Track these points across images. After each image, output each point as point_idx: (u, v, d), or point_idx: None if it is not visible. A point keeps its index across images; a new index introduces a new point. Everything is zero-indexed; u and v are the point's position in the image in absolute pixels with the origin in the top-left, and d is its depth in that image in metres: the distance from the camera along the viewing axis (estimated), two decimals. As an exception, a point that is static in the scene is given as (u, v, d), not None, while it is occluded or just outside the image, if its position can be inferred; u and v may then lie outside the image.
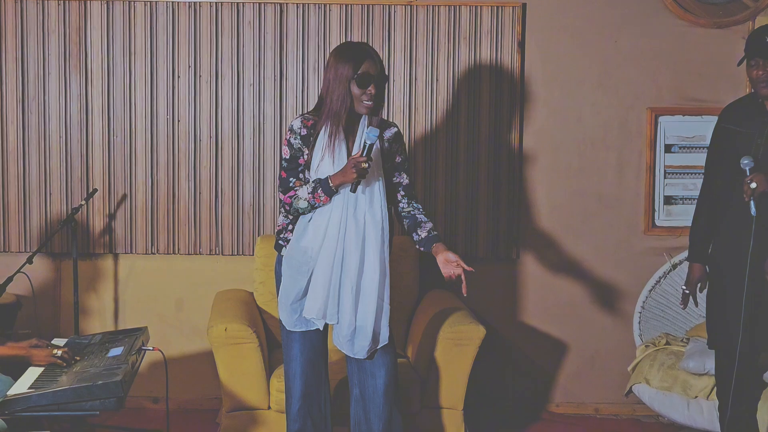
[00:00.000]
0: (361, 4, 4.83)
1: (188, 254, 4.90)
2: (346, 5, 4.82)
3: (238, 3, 4.81)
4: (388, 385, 3.68)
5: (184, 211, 4.87)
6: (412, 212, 3.79)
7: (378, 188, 3.63)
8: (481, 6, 4.86)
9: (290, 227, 3.70)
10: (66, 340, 3.85)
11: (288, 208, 3.63)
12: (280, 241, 3.75)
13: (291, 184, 3.63)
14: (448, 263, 3.64)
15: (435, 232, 3.73)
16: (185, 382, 4.91)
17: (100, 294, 4.92)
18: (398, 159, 3.78)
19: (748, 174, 3.68)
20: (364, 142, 3.51)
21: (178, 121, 4.84)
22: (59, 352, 3.48)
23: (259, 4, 4.81)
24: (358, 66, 3.53)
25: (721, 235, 3.96)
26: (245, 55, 4.83)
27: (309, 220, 3.62)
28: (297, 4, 4.82)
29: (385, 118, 4.82)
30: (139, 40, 4.81)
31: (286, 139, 3.65)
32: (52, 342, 3.72)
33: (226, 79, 4.84)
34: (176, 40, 4.81)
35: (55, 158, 4.83)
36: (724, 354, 3.91)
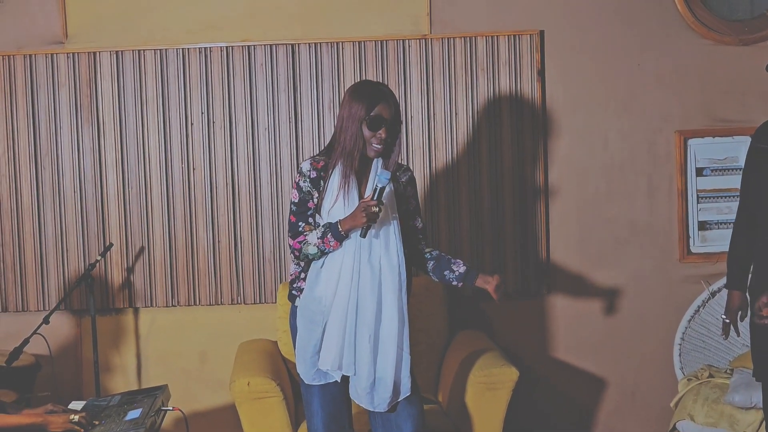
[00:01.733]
0: (375, 40, 4.72)
1: (210, 305, 4.79)
2: (360, 42, 4.72)
3: (249, 45, 4.72)
4: None
5: (204, 261, 4.76)
6: (434, 253, 3.67)
7: (393, 231, 3.49)
8: (497, 36, 4.74)
9: (303, 275, 3.57)
10: (84, 402, 3.73)
11: (298, 254, 3.50)
12: (293, 291, 3.62)
13: (300, 229, 3.50)
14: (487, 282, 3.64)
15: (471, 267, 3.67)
16: (212, 437, 4.79)
17: (121, 350, 4.81)
18: (413, 203, 3.68)
19: None
20: (376, 186, 3.39)
21: (194, 169, 4.75)
22: (76, 418, 3.37)
23: (271, 45, 4.72)
24: (371, 107, 3.43)
25: (760, 259, 3.78)
26: (258, 98, 4.73)
27: (321, 266, 3.49)
28: (309, 43, 4.72)
29: (404, 157, 4.71)
30: (151, 88, 4.73)
31: (295, 182, 3.53)
32: (69, 406, 3.61)
33: (241, 124, 4.74)
34: (188, 87, 4.73)
35: (71, 214, 4.74)
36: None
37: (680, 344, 4.70)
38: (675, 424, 4.43)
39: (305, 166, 3.52)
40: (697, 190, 4.84)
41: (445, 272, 3.65)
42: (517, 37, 4.75)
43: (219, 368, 4.76)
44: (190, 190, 4.75)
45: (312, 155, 3.71)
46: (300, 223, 3.51)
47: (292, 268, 3.63)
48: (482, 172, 4.77)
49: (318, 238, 3.44)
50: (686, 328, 4.70)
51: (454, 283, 3.66)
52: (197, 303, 4.78)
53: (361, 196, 3.49)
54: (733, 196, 4.78)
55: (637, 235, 4.85)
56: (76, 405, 3.67)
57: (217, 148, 4.74)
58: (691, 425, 4.32)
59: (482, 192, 4.77)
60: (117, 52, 4.71)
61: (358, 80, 4.59)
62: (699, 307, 4.72)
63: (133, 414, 3.43)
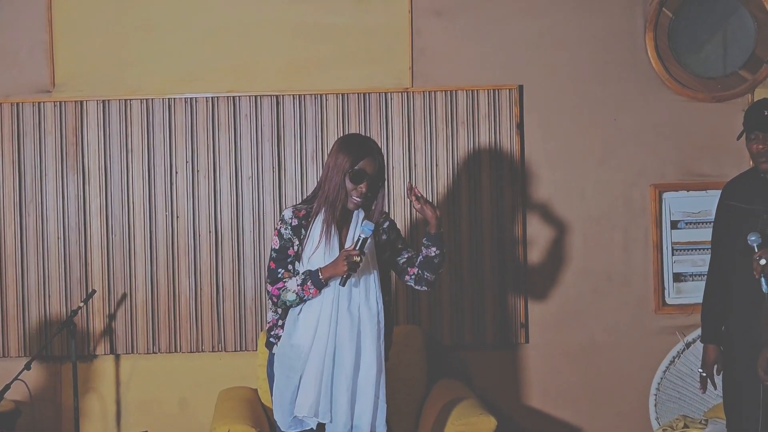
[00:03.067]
0: (358, 93, 4.81)
1: (190, 352, 4.81)
2: (343, 94, 4.81)
3: (234, 96, 4.80)
4: None
5: (185, 309, 4.79)
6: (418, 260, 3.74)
7: (373, 280, 3.56)
8: (478, 90, 4.85)
9: (280, 323, 3.62)
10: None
11: (276, 300, 3.56)
12: (271, 339, 3.66)
13: (279, 275, 3.56)
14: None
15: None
16: (191, 485, 4.78)
17: (101, 397, 4.82)
18: (399, 244, 3.76)
19: (756, 250, 3.61)
20: (359, 236, 3.46)
21: (177, 217, 4.80)
22: None
23: (256, 96, 4.80)
24: (356, 161, 3.51)
25: (734, 314, 3.86)
26: (243, 147, 4.81)
27: (299, 314, 3.55)
28: (293, 94, 4.81)
29: (385, 207, 4.79)
30: (136, 137, 4.79)
31: (276, 229, 3.60)
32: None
33: (225, 173, 4.81)
34: (173, 136, 4.80)
35: (54, 260, 4.77)
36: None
37: (656, 394, 4.76)
38: (650, 474, 4.48)
39: (287, 213, 3.59)
40: (672, 242, 4.93)
41: (422, 252, 3.71)
42: (496, 91, 4.86)
43: (199, 415, 4.77)
44: (173, 238, 4.80)
45: (294, 204, 3.79)
46: (279, 270, 3.57)
47: (269, 315, 3.68)
48: (462, 222, 4.84)
49: (298, 285, 3.50)
50: (661, 378, 4.76)
51: (428, 250, 3.70)
52: (178, 350, 4.80)
53: (341, 245, 3.55)
54: (707, 249, 4.85)
55: (613, 287, 4.93)
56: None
57: (200, 196, 4.80)
58: (667, 475, 4.37)
59: (461, 242, 4.84)
60: (104, 101, 4.78)
61: (347, 132, 4.72)
62: (674, 357, 4.78)
63: (115, 461, 3.44)
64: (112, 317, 4.79)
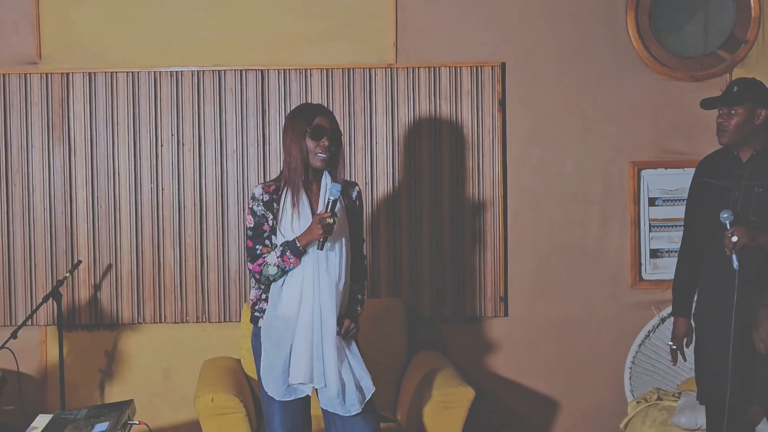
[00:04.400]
0: (342, 68, 4.86)
1: (175, 323, 4.88)
2: (327, 69, 4.86)
3: (219, 70, 4.84)
4: None
5: (170, 280, 4.86)
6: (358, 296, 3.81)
7: (344, 244, 3.65)
8: (460, 67, 4.90)
9: (264, 296, 3.69)
10: (51, 416, 3.80)
11: (259, 277, 3.63)
12: (255, 313, 3.72)
13: (258, 252, 3.63)
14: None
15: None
16: (175, 453, 4.86)
17: (86, 366, 4.88)
18: (358, 223, 3.82)
19: (728, 227, 3.70)
20: (328, 199, 3.55)
21: (162, 189, 4.85)
22: None
23: (241, 70, 4.85)
24: (311, 121, 3.60)
25: (704, 289, 3.96)
26: (228, 121, 4.86)
27: (282, 285, 3.61)
28: (278, 69, 4.85)
29: (369, 180, 4.85)
30: (122, 109, 4.83)
31: (249, 208, 3.66)
32: (35, 421, 3.67)
33: (210, 147, 4.86)
34: (159, 109, 4.84)
35: (40, 230, 4.82)
36: (713, 409, 3.88)
37: (631, 368, 4.85)
38: (624, 445, 4.58)
39: (257, 191, 3.66)
40: (649, 219, 5.02)
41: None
42: (479, 68, 4.92)
43: (183, 385, 4.84)
44: (158, 210, 4.85)
45: (263, 182, 3.85)
46: (257, 246, 3.64)
47: (252, 293, 3.75)
48: (443, 196, 4.92)
49: (277, 257, 3.57)
50: (636, 352, 4.86)
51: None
52: (163, 320, 4.87)
53: (314, 213, 3.63)
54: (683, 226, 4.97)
55: (590, 262, 5.02)
56: (44, 418, 3.73)
57: (185, 169, 4.85)
58: (639, 446, 4.47)
59: (443, 216, 4.91)
60: (90, 73, 4.81)
61: (332, 108, 4.78)
62: (649, 332, 4.88)
63: (100, 427, 3.49)
64: (97, 287, 4.85)
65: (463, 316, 4.94)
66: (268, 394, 3.66)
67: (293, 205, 3.60)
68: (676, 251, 4.92)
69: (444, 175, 4.91)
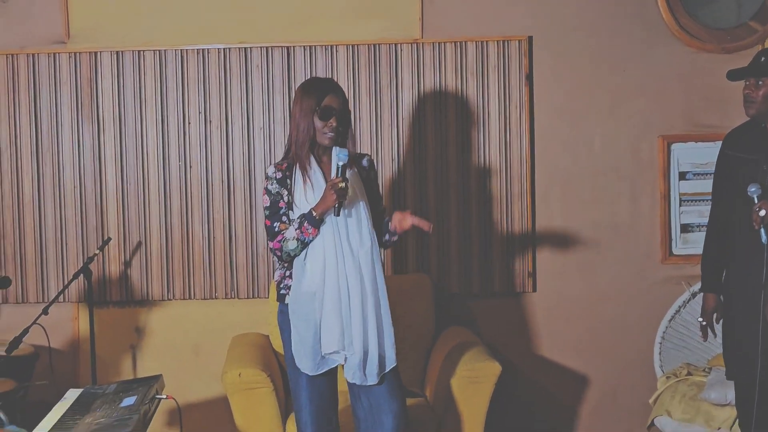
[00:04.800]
0: (368, 44, 4.85)
1: (204, 299, 4.92)
2: (353, 45, 4.85)
3: (245, 47, 4.85)
4: (398, 430, 3.64)
5: (199, 256, 4.89)
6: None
7: (363, 210, 3.65)
8: (487, 41, 4.87)
9: (288, 273, 3.70)
10: (81, 390, 3.85)
11: (280, 254, 3.64)
12: (281, 291, 3.73)
13: (277, 230, 3.64)
14: (401, 216, 3.71)
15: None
16: (205, 429, 4.91)
17: (117, 342, 4.94)
18: (375, 187, 3.83)
19: (756, 201, 3.64)
20: (338, 165, 3.55)
21: (190, 166, 4.88)
22: None
23: (267, 47, 4.85)
24: (321, 99, 3.60)
25: (733, 264, 3.91)
26: (254, 98, 4.87)
27: (305, 259, 3.62)
28: (304, 46, 4.85)
29: (393, 157, 4.85)
30: (150, 88, 4.86)
31: (264, 188, 3.68)
32: (66, 395, 3.72)
33: (237, 124, 4.88)
34: (186, 87, 4.86)
35: (70, 208, 4.87)
36: (743, 385, 3.85)
37: (660, 343, 4.82)
38: (653, 420, 4.56)
39: (270, 170, 3.69)
40: (679, 193, 4.97)
41: (385, 238, 3.81)
42: (506, 42, 4.88)
43: (212, 361, 4.89)
44: (186, 187, 4.88)
45: (274, 162, 3.88)
46: (275, 224, 3.65)
47: (276, 273, 3.75)
48: (471, 173, 4.90)
49: (296, 230, 3.58)
50: (666, 327, 4.82)
51: (391, 238, 3.81)
52: (192, 297, 4.91)
53: (327, 182, 3.63)
54: (714, 200, 4.92)
55: (620, 237, 4.98)
56: (73, 393, 3.79)
57: (213, 146, 4.88)
58: (669, 421, 4.45)
59: (470, 192, 4.90)
60: (117, 52, 4.85)
61: (358, 84, 4.82)
62: (680, 307, 4.84)
63: (128, 401, 3.54)
64: (127, 264, 4.90)
65: (492, 292, 4.93)
66: (301, 369, 3.66)
67: (305, 178, 3.62)
68: (706, 226, 4.90)
69: (471, 151, 4.89)
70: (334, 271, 3.59)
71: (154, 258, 4.89)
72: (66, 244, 4.88)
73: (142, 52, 4.85)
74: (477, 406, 4.19)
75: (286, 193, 3.65)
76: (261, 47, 4.85)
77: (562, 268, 4.98)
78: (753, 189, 3.66)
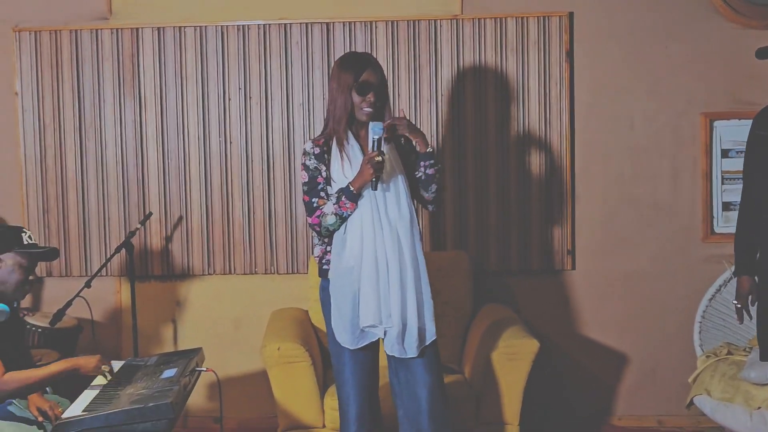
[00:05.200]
0: (408, 20, 4.84)
1: (244, 274, 4.96)
2: (392, 21, 4.84)
3: (285, 24, 4.86)
4: (432, 404, 3.64)
5: (239, 232, 4.94)
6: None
7: (401, 183, 3.65)
8: (527, 17, 4.84)
9: (328, 249, 3.71)
10: (122, 362, 3.91)
11: (319, 230, 3.65)
12: (324, 266, 3.74)
13: (315, 205, 3.64)
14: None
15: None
16: (244, 402, 4.97)
17: (158, 316, 5.01)
18: (413, 155, 3.78)
19: None
20: (373, 139, 3.54)
21: (230, 143, 4.91)
22: (107, 367, 3.55)
23: (306, 24, 4.86)
24: (358, 75, 3.60)
25: (766, 242, 3.86)
26: (294, 75, 4.88)
27: (344, 233, 3.63)
28: (344, 22, 4.86)
29: (433, 135, 4.84)
30: (190, 64, 4.90)
31: (301, 164, 3.68)
32: (109, 365, 3.78)
33: (276, 100, 4.90)
34: (226, 63, 4.89)
35: (113, 183, 4.93)
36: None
37: (701, 322, 4.78)
38: (692, 399, 4.53)
39: (308, 145, 3.69)
40: (721, 171, 4.91)
41: (421, 172, 3.75)
42: (546, 18, 4.85)
43: (252, 335, 4.94)
44: (226, 163, 4.92)
45: (312, 137, 3.88)
46: (314, 200, 3.65)
47: (316, 250, 3.75)
48: (510, 150, 4.88)
49: (334, 205, 3.59)
50: (707, 306, 4.78)
51: (425, 167, 3.72)
52: (232, 272, 4.96)
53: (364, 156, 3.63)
54: (757, 178, 4.87)
55: (661, 215, 4.94)
56: (115, 365, 3.85)
57: (253, 122, 4.91)
58: (708, 400, 4.41)
59: (509, 170, 4.88)
60: (158, 28, 4.88)
61: (397, 60, 4.82)
62: (720, 286, 4.79)
63: (169, 373, 3.59)
64: (168, 239, 4.95)
65: (530, 269, 4.92)
66: (341, 344, 3.67)
67: (342, 153, 3.63)
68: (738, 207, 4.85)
69: (510, 128, 4.87)
70: (371, 243, 3.59)
71: (195, 233, 4.95)
72: (108, 218, 4.95)
73: (183, 29, 4.88)
74: (515, 383, 4.19)
75: (324, 168, 3.66)
76: (301, 23, 4.86)
77: (602, 246, 4.96)
78: None
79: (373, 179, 3.54)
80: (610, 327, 4.99)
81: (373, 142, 3.55)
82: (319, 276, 3.79)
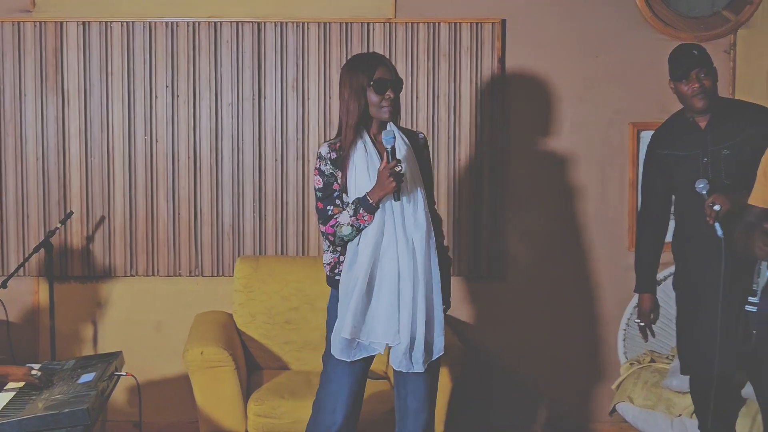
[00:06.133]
0: (340, 22, 4.80)
1: (168, 276, 4.86)
2: (325, 23, 4.79)
3: (215, 22, 4.78)
4: (429, 423, 3.61)
5: (163, 233, 4.83)
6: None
7: (419, 192, 3.50)
8: (460, 23, 4.83)
9: (341, 258, 3.53)
10: (39, 365, 3.80)
11: (333, 239, 3.47)
12: (336, 277, 3.56)
13: (330, 213, 3.48)
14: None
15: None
16: (166, 407, 4.86)
17: (78, 317, 4.87)
18: (427, 167, 3.69)
19: (706, 197, 3.64)
20: (386, 149, 3.39)
21: (156, 141, 4.81)
22: (38, 373, 3.45)
23: (237, 22, 4.78)
24: (372, 73, 3.46)
25: (682, 261, 3.90)
26: (223, 74, 4.80)
27: (358, 245, 3.46)
28: (275, 22, 4.79)
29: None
30: (116, 60, 4.78)
31: (315, 168, 3.52)
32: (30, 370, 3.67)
33: (204, 99, 4.81)
34: (153, 60, 4.78)
35: (32, 181, 4.79)
36: (700, 379, 3.86)
37: (625, 330, 4.83)
38: (615, 406, 4.57)
39: (323, 149, 3.51)
40: (648, 181, 4.96)
41: None
42: (479, 24, 4.85)
43: (175, 338, 4.83)
44: (151, 162, 4.81)
45: (326, 140, 3.74)
46: (329, 207, 3.49)
47: (327, 257, 3.59)
48: (440, 156, 4.86)
49: (350, 216, 3.42)
50: (631, 314, 4.83)
51: None
52: (156, 273, 4.85)
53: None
54: (683, 189, 4.93)
55: (588, 224, 4.97)
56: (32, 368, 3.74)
57: (180, 121, 4.81)
58: (630, 407, 4.46)
59: (439, 175, 4.86)
60: (84, 22, 4.75)
61: (327, 62, 4.77)
62: (645, 294, 4.84)
63: (87, 377, 3.50)
64: (89, 239, 4.82)
65: (458, 276, 4.90)
66: (336, 356, 3.51)
67: (362, 158, 3.45)
68: (674, 214, 4.91)
69: (441, 133, 4.86)
70: (391, 257, 3.42)
71: (118, 233, 4.83)
72: (27, 217, 4.80)
73: (109, 24, 4.76)
74: (442, 387, 4.15)
75: (340, 174, 3.48)
76: (231, 22, 4.78)
77: (530, 253, 4.97)
78: (701, 185, 3.67)
79: (395, 191, 3.39)
80: (536, 333, 5.00)
81: (387, 152, 3.39)
82: (329, 285, 3.63)
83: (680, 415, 4.29)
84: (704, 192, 3.66)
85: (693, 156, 3.79)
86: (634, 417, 4.46)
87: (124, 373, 3.63)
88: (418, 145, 3.66)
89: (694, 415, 4.23)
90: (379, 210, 3.43)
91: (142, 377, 4.10)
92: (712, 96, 3.78)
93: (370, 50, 4.78)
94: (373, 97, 3.46)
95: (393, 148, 3.40)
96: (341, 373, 3.55)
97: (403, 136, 3.56)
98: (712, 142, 3.77)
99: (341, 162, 3.49)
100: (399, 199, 3.41)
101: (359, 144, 3.49)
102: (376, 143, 3.53)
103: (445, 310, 3.57)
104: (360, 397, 3.63)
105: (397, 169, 3.37)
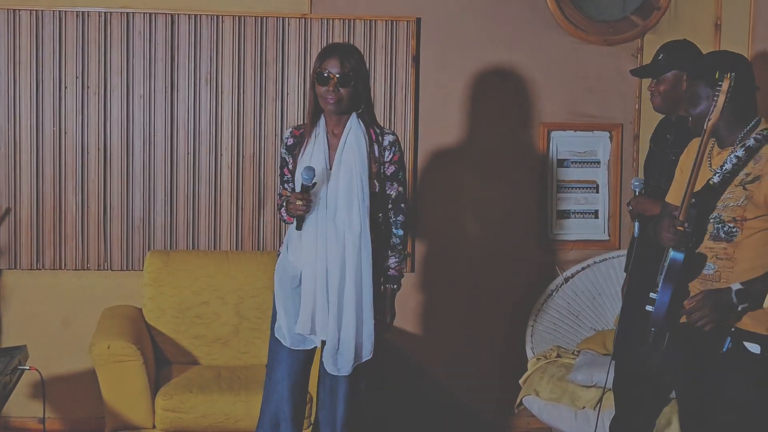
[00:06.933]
0: (255, 16, 4.78)
1: (75, 270, 4.77)
2: (239, 17, 4.77)
3: (128, 12, 4.71)
4: (347, 419, 3.64)
5: (71, 226, 4.75)
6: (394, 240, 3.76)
7: (358, 196, 3.54)
8: (376, 20, 4.86)
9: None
10: (-62, 360, 3.69)
11: (282, 216, 3.70)
12: (278, 254, 3.76)
13: (279, 194, 3.72)
14: None
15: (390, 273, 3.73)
16: (71, 402, 4.78)
17: (-19, 311, 4.77)
18: (392, 169, 3.71)
19: (636, 195, 3.75)
20: (302, 183, 3.49)
21: (65, 133, 4.72)
22: None
23: (150, 14, 4.72)
24: (319, 64, 3.56)
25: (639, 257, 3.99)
26: (135, 66, 4.74)
27: (300, 232, 3.60)
28: (189, 14, 4.75)
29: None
30: (24, 49, 4.67)
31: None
32: None
33: (116, 91, 4.74)
34: (63, 50, 4.69)
35: (-65, 171, 4.66)
36: (626, 373, 3.93)
37: (532, 325, 4.91)
38: (521, 399, 4.65)
39: (286, 133, 3.72)
40: (557, 180, 5.06)
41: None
42: (394, 22, 4.88)
43: (81, 333, 4.73)
44: (60, 154, 4.72)
45: (294, 125, 3.93)
46: (280, 188, 3.73)
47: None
48: (354, 151, 4.88)
49: (282, 208, 3.64)
50: (539, 310, 4.91)
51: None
52: (63, 267, 4.77)
53: (327, 158, 3.57)
54: (591, 188, 5.05)
55: (499, 221, 5.04)
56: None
57: (90, 113, 4.73)
58: (536, 400, 4.53)
59: (353, 171, 4.87)
60: (-9, 9, 4.65)
61: (242, 56, 4.77)
62: (552, 291, 4.94)
63: (-12, 371, 3.42)
64: (-6, 231, 4.72)
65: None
66: (281, 341, 3.59)
67: (308, 150, 3.58)
68: (582, 213, 5.03)
69: (355, 129, 4.87)
70: (313, 250, 3.50)
71: (24, 226, 4.72)
72: (-71, 208, 4.67)
73: (17, 11, 4.66)
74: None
75: (290, 161, 3.63)
76: (144, 13, 4.72)
77: (440, 248, 5.02)
78: (636, 183, 3.76)
79: (295, 218, 3.50)
80: (445, 327, 5.05)
81: (302, 186, 3.48)
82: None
83: (584, 408, 4.38)
84: (636, 190, 3.76)
85: (665, 154, 3.86)
86: (539, 410, 4.53)
87: (28, 368, 3.56)
88: (381, 146, 3.69)
89: (596, 407, 4.33)
90: (318, 203, 3.52)
91: (47, 372, 4.02)
92: (664, 102, 3.86)
93: (286, 46, 4.79)
94: (318, 88, 3.56)
95: (306, 186, 3.46)
96: (282, 360, 3.62)
97: (365, 135, 3.61)
98: (672, 144, 3.85)
99: (294, 148, 3.63)
100: (299, 228, 3.51)
101: (313, 134, 3.59)
102: (329, 135, 3.61)
103: (378, 320, 3.62)
104: (304, 386, 3.69)
105: (298, 203, 3.45)
